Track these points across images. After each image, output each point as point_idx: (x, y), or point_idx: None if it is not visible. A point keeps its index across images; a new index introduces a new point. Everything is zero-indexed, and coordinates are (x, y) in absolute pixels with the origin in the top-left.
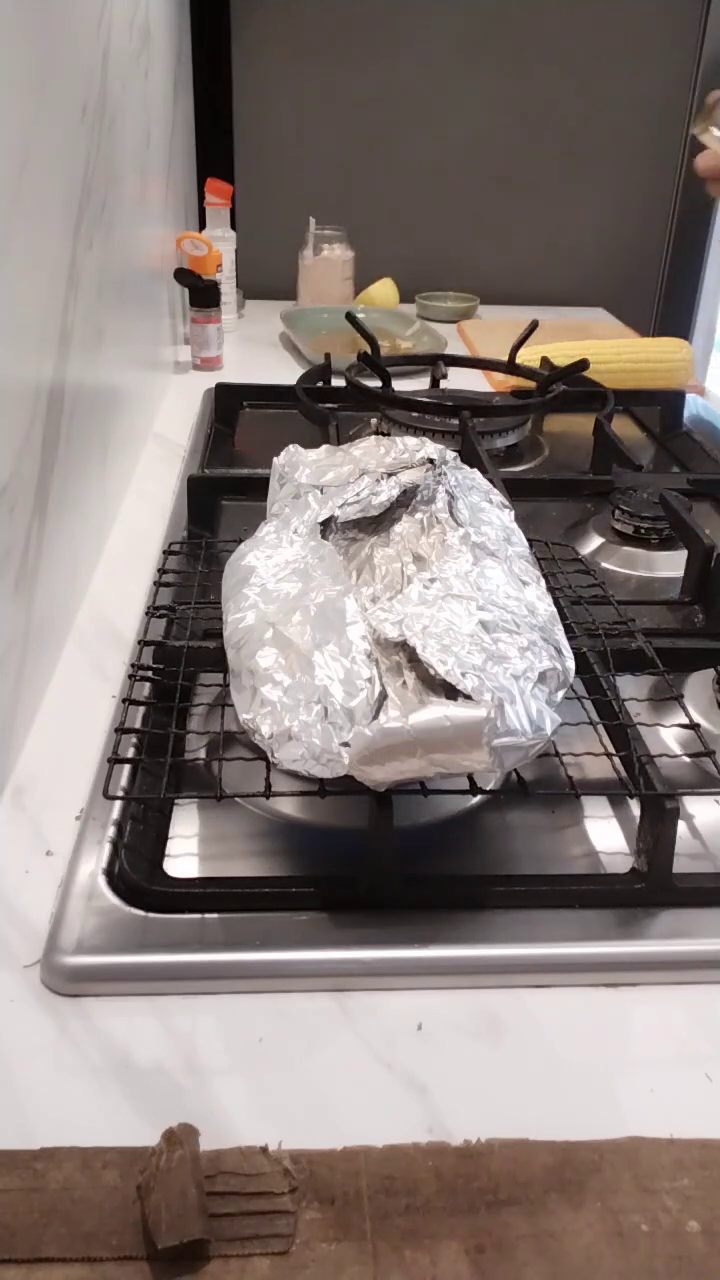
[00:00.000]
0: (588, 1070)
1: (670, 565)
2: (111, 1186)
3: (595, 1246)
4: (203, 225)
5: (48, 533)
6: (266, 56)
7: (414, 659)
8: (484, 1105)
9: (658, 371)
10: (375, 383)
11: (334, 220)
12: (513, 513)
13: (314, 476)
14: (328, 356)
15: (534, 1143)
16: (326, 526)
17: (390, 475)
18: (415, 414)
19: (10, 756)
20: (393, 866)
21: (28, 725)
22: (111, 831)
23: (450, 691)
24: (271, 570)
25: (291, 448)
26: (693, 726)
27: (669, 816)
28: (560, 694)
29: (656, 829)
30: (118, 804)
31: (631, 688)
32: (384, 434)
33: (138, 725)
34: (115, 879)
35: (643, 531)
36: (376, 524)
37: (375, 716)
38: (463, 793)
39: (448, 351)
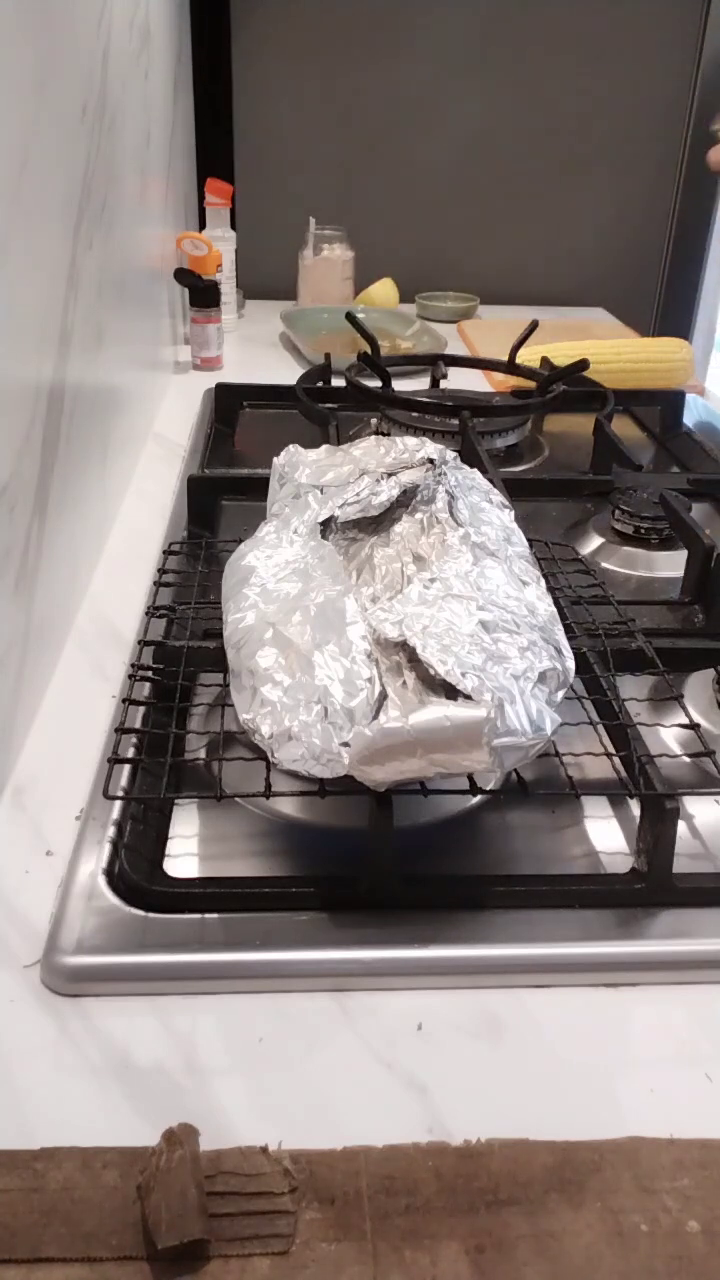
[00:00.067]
0: (588, 1070)
1: (670, 565)
2: (111, 1186)
3: (595, 1246)
4: (203, 225)
5: (48, 533)
6: (266, 56)
7: (414, 659)
8: (484, 1105)
9: (658, 371)
10: (375, 383)
11: (334, 220)
12: (513, 513)
13: (314, 476)
14: (328, 356)
15: (534, 1143)
16: (326, 526)
17: (390, 475)
18: (415, 414)
19: (10, 756)
20: (393, 866)
21: (28, 725)
22: (111, 831)
23: (450, 691)
24: (271, 570)
25: (291, 448)
26: (693, 726)
27: (669, 816)
28: (560, 694)
29: (656, 829)
30: (118, 804)
31: (631, 688)
32: (384, 434)
33: (138, 725)
34: (115, 879)
35: (643, 531)
36: (376, 524)
37: (375, 716)
38: (463, 793)
39: (448, 351)
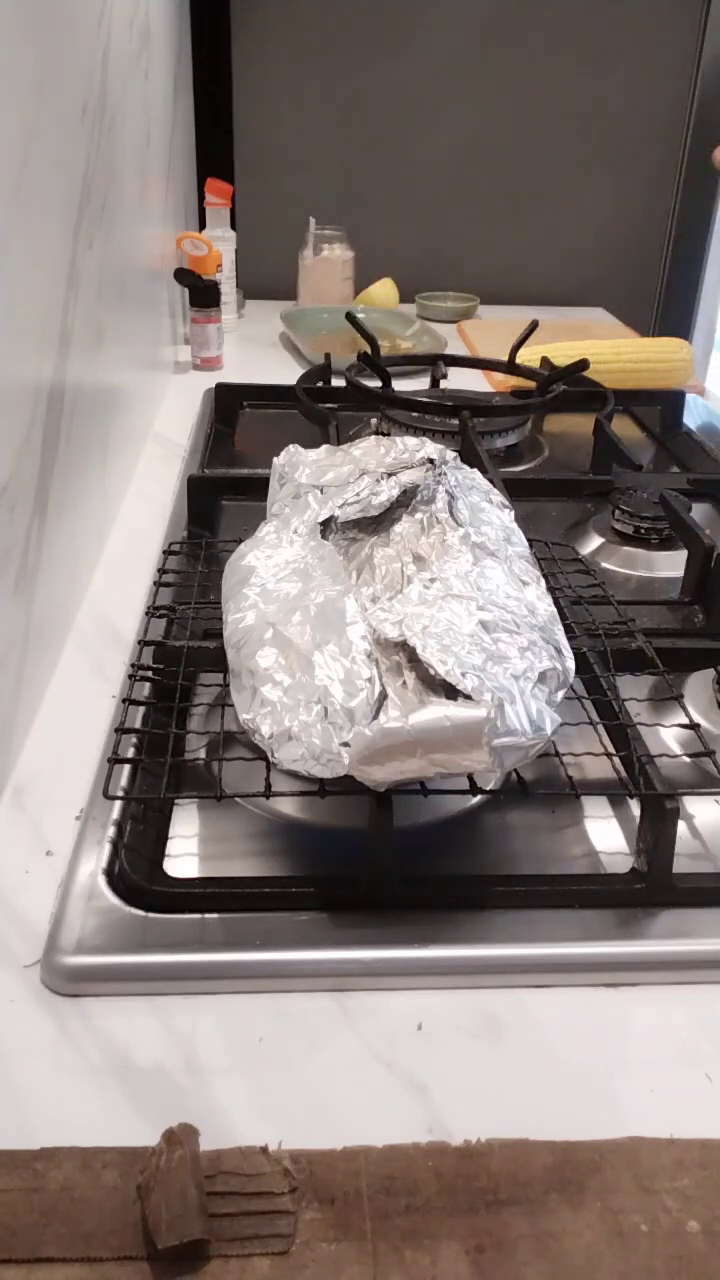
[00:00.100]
0: (588, 1070)
1: (670, 565)
2: (111, 1186)
3: (595, 1246)
4: (203, 225)
5: (48, 533)
6: (266, 56)
7: (414, 659)
8: (484, 1105)
9: (658, 371)
10: (375, 383)
11: (334, 220)
12: (513, 513)
13: (314, 476)
14: (328, 356)
15: (534, 1143)
16: (326, 526)
17: (390, 475)
18: (415, 414)
19: (10, 756)
20: (393, 866)
21: (28, 725)
22: (111, 831)
23: (450, 691)
24: (271, 570)
25: (291, 448)
26: (693, 726)
27: (669, 816)
28: (560, 694)
29: (656, 829)
30: (118, 804)
31: (631, 688)
32: (384, 434)
33: (138, 725)
34: (115, 879)
35: (643, 531)
36: (376, 524)
37: (375, 716)
38: (463, 793)
39: (448, 351)
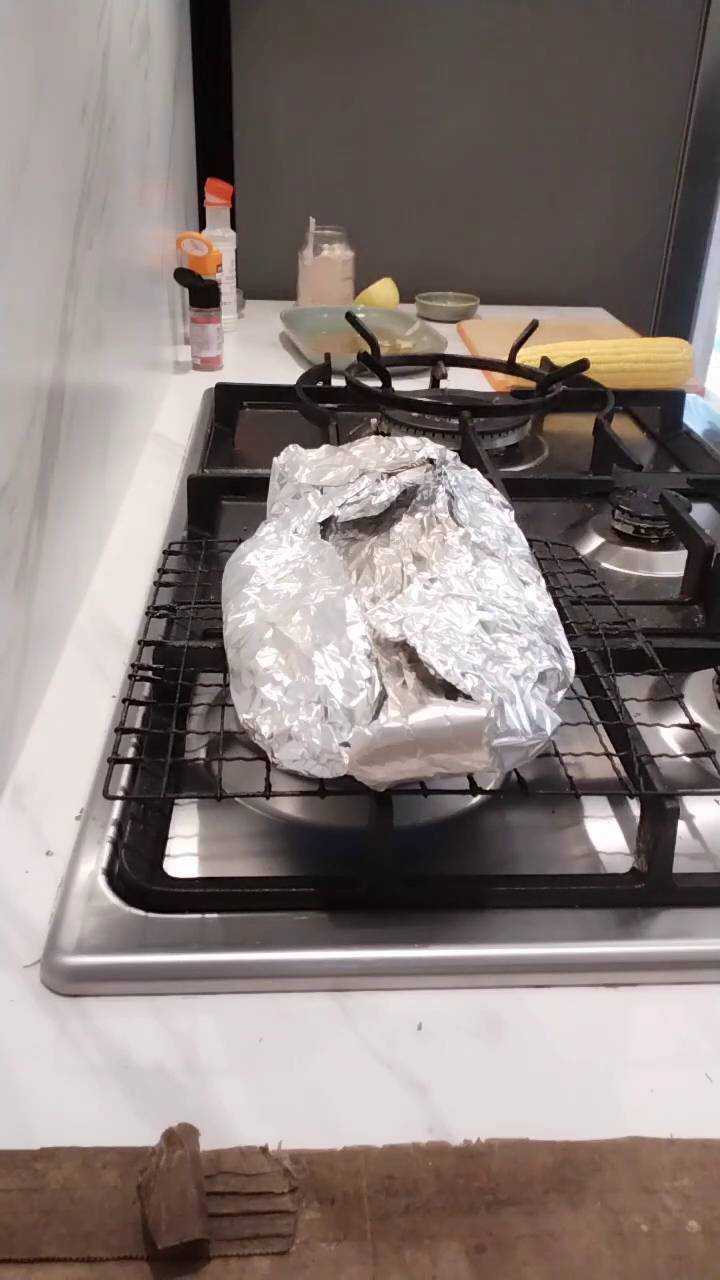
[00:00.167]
0: (588, 1070)
1: (670, 565)
2: (111, 1186)
3: (595, 1246)
4: (203, 225)
5: (48, 533)
6: (266, 56)
7: (414, 659)
8: (484, 1105)
9: (658, 371)
10: (375, 383)
11: (334, 220)
12: (513, 513)
13: (314, 476)
14: (328, 356)
15: (534, 1143)
16: (326, 526)
17: (390, 475)
18: (415, 414)
19: (10, 756)
20: (393, 866)
21: (28, 725)
22: (111, 831)
23: (450, 691)
24: (271, 570)
25: (291, 448)
26: (693, 726)
27: (669, 816)
28: (560, 694)
29: (656, 829)
30: (118, 804)
31: (631, 688)
32: (384, 434)
33: (138, 725)
34: (115, 879)
35: (643, 531)
36: (376, 524)
37: (375, 716)
38: (463, 793)
39: (448, 351)
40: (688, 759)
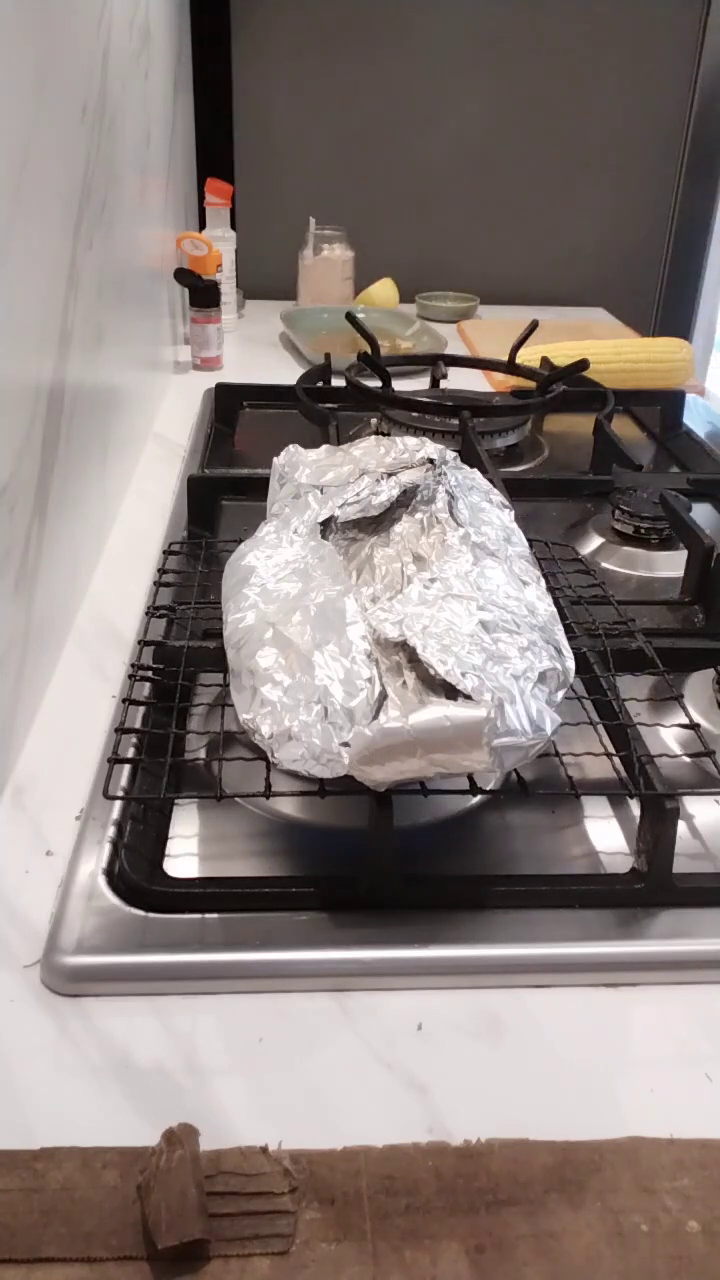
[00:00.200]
0: (588, 1070)
1: (670, 565)
2: (111, 1186)
3: (595, 1246)
4: (203, 225)
5: (48, 533)
6: (266, 56)
7: (414, 659)
8: (484, 1105)
9: (658, 371)
10: (375, 383)
11: (334, 220)
12: (513, 513)
13: (314, 476)
14: (328, 356)
15: (534, 1143)
16: (326, 526)
17: (390, 475)
18: (415, 414)
19: (10, 756)
20: (393, 866)
21: (28, 725)
22: (111, 831)
23: (450, 691)
24: (271, 570)
25: (291, 448)
26: (693, 726)
27: (669, 816)
28: (560, 694)
29: (656, 829)
30: (118, 804)
31: (631, 688)
32: (384, 434)
33: (138, 725)
34: (115, 879)
35: (643, 531)
36: (376, 524)
37: (375, 716)
38: (463, 793)
39: (448, 351)
40: (688, 759)
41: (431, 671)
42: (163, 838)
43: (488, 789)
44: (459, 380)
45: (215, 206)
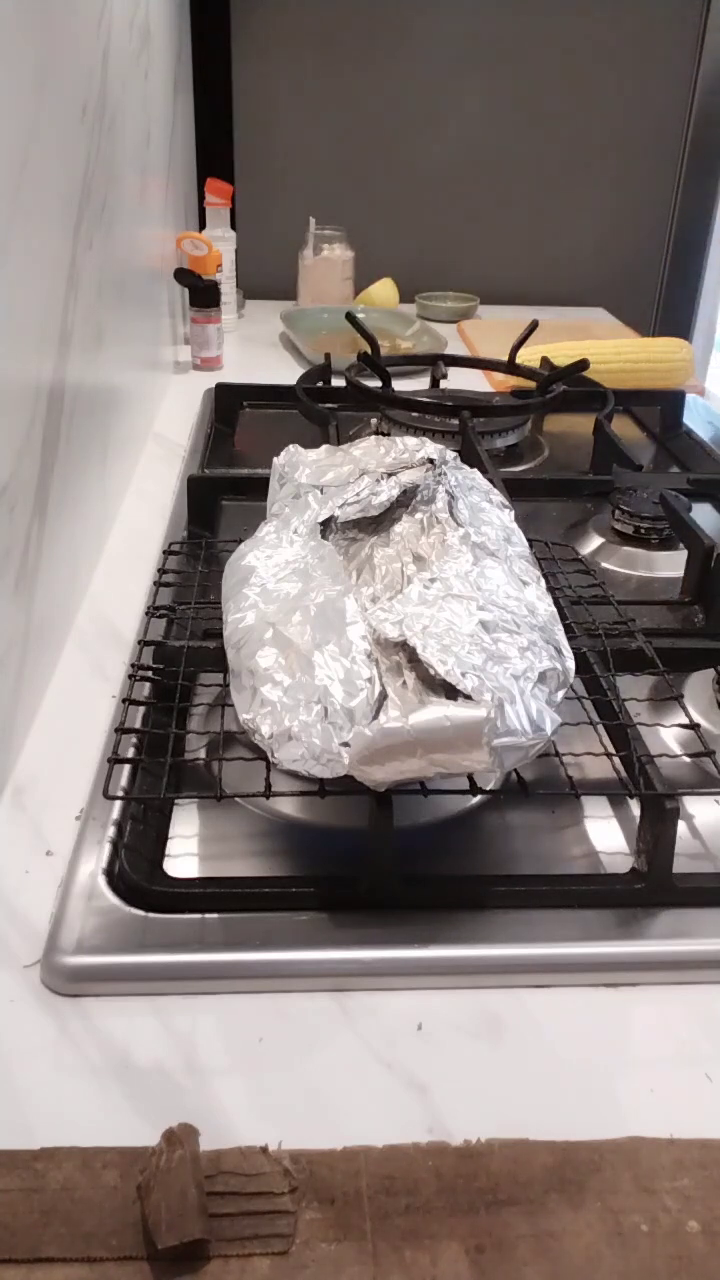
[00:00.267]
0: (588, 1070)
1: (670, 565)
2: (111, 1186)
3: (595, 1246)
4: (203, 225)
5: (48, 533)
6: (266, 57)
7: (414, 659)
8: (484, 1105)
9: (658, 371)
10: (375, 383)
11: (334, 220)
12: (513, 513)
13: (314, 476)
14: (328, 356)
15: (534, 1143)
16: (326, 526)
17: (390, 475)
18: (415, 414)
19: (10, 756)
20: (393, 866)
21: (28, 725)
22: (111, 831)
23: (450, 691)
24: (271, 570)
25: (291, 448)
26: (693, 726)
27: (669, 816)
28: (560, 694)
29: (656, 829)
30: (118, 804)
31: (631, 688)
32: (384, 434)
33: (138, 725)
34: (115, 879)
35: (643, 531)
36: (376, 524)
37: (375, 716)
38: (463, 793)
39: (448, 351)
40: (688, 759)
41: (431, 671)
42: (163, 838)
43: (488, 789)
44: (459, 380)
45: (215, 206)
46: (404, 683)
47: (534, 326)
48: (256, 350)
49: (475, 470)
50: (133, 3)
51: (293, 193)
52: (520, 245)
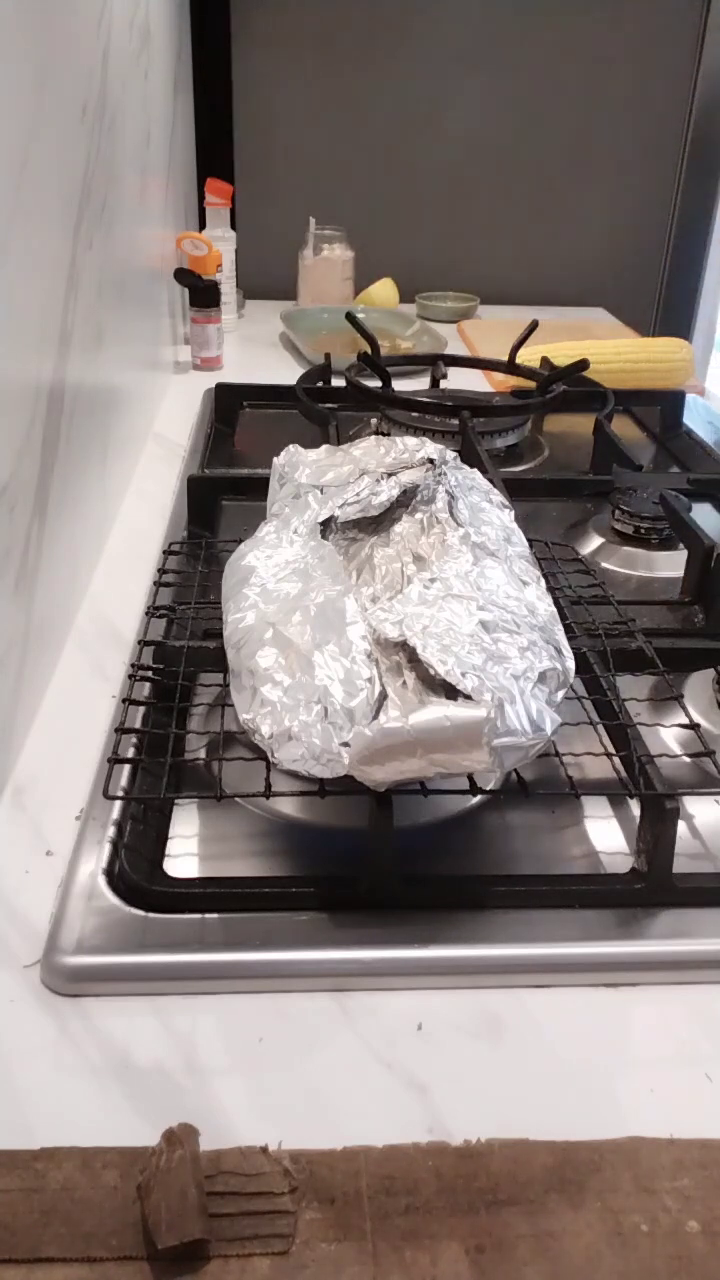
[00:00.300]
0: (588, 1070)
1: (670, 565)
2: (111, 1186)
3: (595, 1246)
4: (203, 225)
5: (48, 533)
6: (267, 57)
7: (414, 659)
8: (484, 1105)
9: (658, 371)
10: (375, 383)
11: (334, 220)
12: (513, 513)
13: (314, 476)
14: (328, 356)
15: (534, 1143)
16: (326, 526)
17: (390, 475)
18: (415, 414)
19: (10, 756)
20: (393, 866)
21: (28, 725)
22: (111, 831)
23: (450, 691)
24: (271, 570)
25: (291, 448)
26: (693, 726)
27: (669, 816)
28: (560, 694)
29: (656, 829)
30: (118, 804)
31: (631, 688)
32: (384, 434)
33: (138, 725)
34: (115, 879)
35: (643, 531)
36: (376, 524)
37: (375, 716)
38: (463, 793)
39: (448, 351)
40: (688, 759)
41: (431, 671)
42: (163, 838)
43: (488, 789)
44: (459, 380)
45: (215, 206)
46: (404, 683)
47: (534, 326)
48: (256, 350)
49: (475, 470)
50: (133, 3)
51: (293, 193)
52: (520, 245)
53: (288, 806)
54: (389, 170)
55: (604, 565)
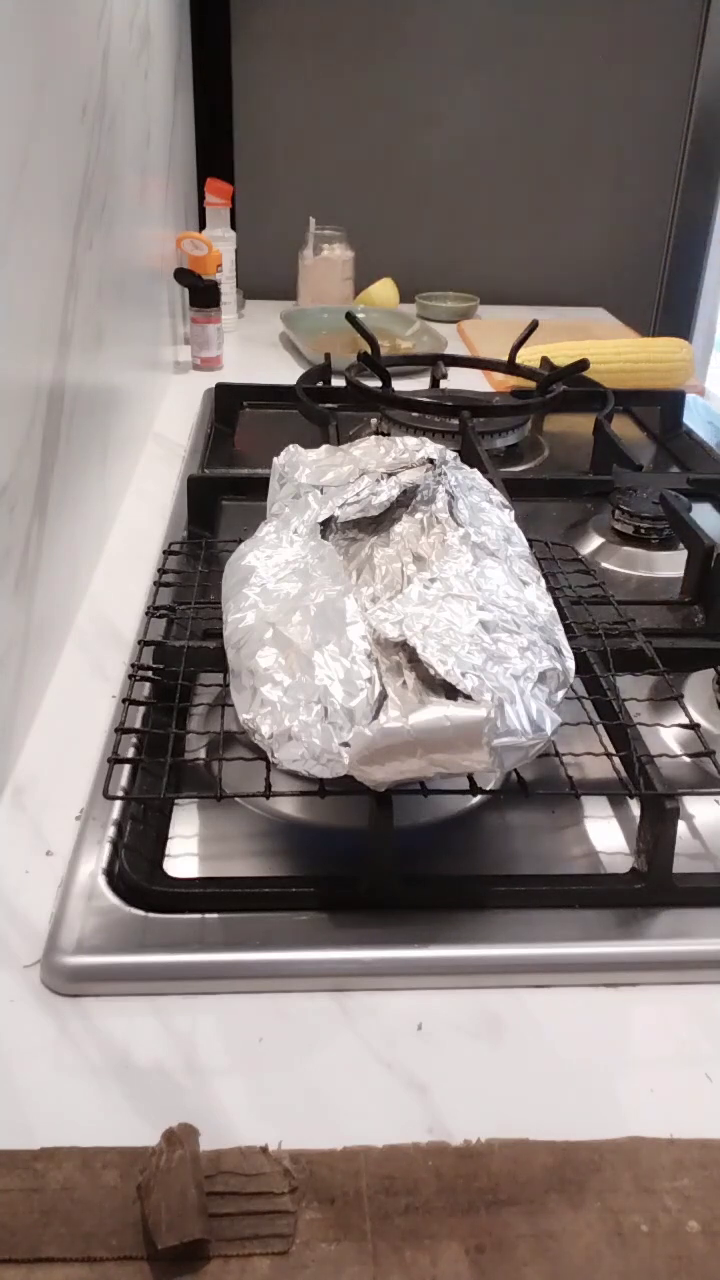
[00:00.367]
0: (588, 1070)
1: (670, 565)
2: (111, 1186)
3: (595, 1246)
4: (203, 225)
5: (48, 533)
6: (266, 56)
7: (414, 659)
8: (484, 1105)
9: (658, 371)
10: (375, 383)
11: (334, 220)
12: (513, 513)
13: (314, 476)
14: (328, 356)
15: (534, 1143)
16: (326, 526)
17: (390, 475)
18: (415, 414)
19: (10, 756)
20: (393, 866)
21: (28, 725)
22: (111, 831)
23: (450, 691)
24: (271, 570)
25: (291, 448)
26: (693, 726)
27: (669, 816)
28: (560, 694)
29: (656, 829)
30: (118, 804)
31: (631, 688)
32: (384, 434)
33: (138, 725)
34: (115, 879)
35: (643, 531)
36: (376, 524)
37: (375, 716)
38: (463, 793)
39: (448, 351)
40: (688, 759)
41: (431, 671)
42: (163, 838)
43: (488, 789)
44: (459, 380)
45: (215, 206)
46: (404, 683)
47: (534, 326)
48: (256, 350)
49: (475, 470)
50: (133, 3)
51: (293, 193)
52: (520, 245)
53: (288, 806)
54: (389, 170)
55: (604, 565)
